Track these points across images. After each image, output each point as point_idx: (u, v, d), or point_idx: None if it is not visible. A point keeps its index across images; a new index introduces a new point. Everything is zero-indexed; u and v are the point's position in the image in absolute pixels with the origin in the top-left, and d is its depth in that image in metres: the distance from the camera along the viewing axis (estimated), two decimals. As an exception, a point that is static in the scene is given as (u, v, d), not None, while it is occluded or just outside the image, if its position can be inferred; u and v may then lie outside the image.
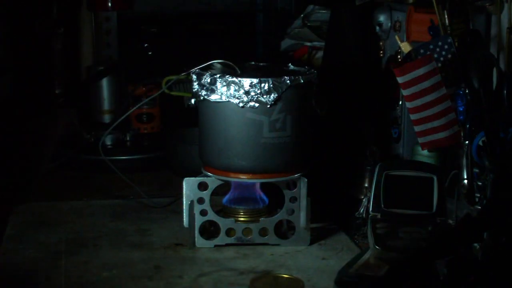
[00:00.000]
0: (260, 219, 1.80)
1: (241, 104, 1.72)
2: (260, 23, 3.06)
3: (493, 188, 1.50)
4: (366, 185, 1.93)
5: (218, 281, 1.62)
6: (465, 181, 1.67)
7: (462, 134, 1.70)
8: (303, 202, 1.79)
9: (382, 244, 1.59)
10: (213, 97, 1.73)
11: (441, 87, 1.69)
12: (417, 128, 1.73)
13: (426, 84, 1.69)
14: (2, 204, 2.03)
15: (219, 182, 1.80)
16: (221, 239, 1.80)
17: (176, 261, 1.72)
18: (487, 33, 1.82)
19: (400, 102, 1.98)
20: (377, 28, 2.07)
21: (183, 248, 1.79)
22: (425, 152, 1.80)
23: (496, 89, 1.67)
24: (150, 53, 2.90)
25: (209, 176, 1.79)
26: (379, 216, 1.68)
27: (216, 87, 1.73)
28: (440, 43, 1.72)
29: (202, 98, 1.75)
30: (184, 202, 1.79)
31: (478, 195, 1.68)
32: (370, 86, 2.12)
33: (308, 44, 2.55)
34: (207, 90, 1.74)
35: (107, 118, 2.47)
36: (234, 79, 1.72)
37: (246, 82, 1.71)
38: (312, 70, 1.81)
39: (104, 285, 1.60)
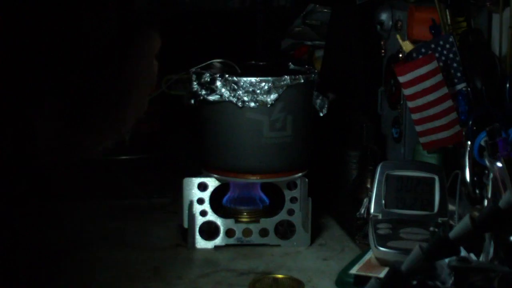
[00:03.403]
0: (260, 219, 1.79)
1: (241, 104, 1.71)
2: (260, 23, 3.05)
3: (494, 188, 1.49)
4: (368, 185, 1.92)
5: (217, 282, 1.62)
6: (467, 181, 1.66)
7: (464, 134, 1.68)
8: (304, 202, 1.78)
9: (383, 245, 1.58)
10: (213, 97, 1.72)
11: (442, 86, 1.68)
12: (418, 128, 1.72)
13: (427, 84, 1.68)
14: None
15: (219, 183, 1.79)
16: (221, 239, 1.79)
17: (176, 261, 1.71)
18: (489, 32, 1.81)
19: (402, 102, 1.97)
20: (378, 27, 2.06)
21: (182, 248, 1.78)
22: (427, 152, 1.79)
23: (498, 88, 1.66)
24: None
25: (209, 176, 1.79)
26: (380, 216, 1.67)
27: (216, 86, 1.72)
28: (441, 42, 1.71)
29: (201, 98, 1.74)
30: (184, 202, 1.78)
31: (480, 195, 1.67)
32: (370, 85, 2.12)
33: (309, 43, 2.54)
34: (206, 89, 1.73)
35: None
36: (234, 78, 1.71)
37: (246, 81, 1.70)
38: (313, 69, 1.80)
39: (104, 285, 1.59)
